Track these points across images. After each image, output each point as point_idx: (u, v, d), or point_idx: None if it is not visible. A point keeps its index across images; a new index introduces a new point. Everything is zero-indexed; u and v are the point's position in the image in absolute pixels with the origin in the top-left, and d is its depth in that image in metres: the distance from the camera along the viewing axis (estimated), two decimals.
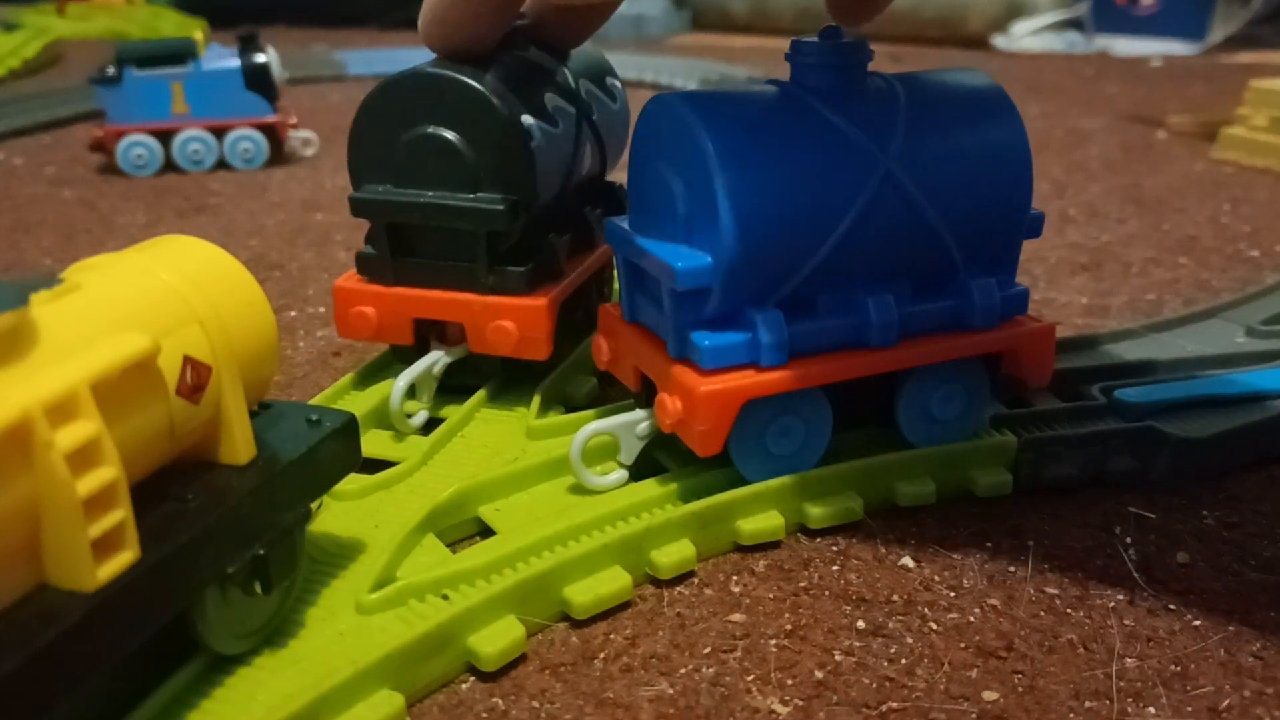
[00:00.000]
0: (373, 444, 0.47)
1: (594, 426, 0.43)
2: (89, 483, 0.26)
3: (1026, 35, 2.19)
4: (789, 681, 0.34)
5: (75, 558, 0.26)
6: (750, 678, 0.34)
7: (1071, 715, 0.33)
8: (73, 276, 0.30)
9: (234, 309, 0.33)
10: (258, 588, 0.32)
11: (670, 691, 0.34)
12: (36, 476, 0.25)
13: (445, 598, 0.36)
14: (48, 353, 0.27)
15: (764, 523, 0.41)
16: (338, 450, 0.36)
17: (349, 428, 0.37)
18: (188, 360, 0.30)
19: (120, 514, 0.27)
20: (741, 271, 0.40)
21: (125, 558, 0.27)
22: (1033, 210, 0.45)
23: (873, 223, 0.41)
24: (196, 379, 0.31)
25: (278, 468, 0.33)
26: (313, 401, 0.49)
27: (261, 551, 0.32)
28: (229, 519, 0.31)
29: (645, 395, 0.46)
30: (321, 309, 0.68)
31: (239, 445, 0.33)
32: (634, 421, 0.44)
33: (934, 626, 0.37)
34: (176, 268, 0.32)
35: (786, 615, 0.37)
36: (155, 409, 0.29)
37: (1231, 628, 0.37)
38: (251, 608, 0.33)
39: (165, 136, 1.04)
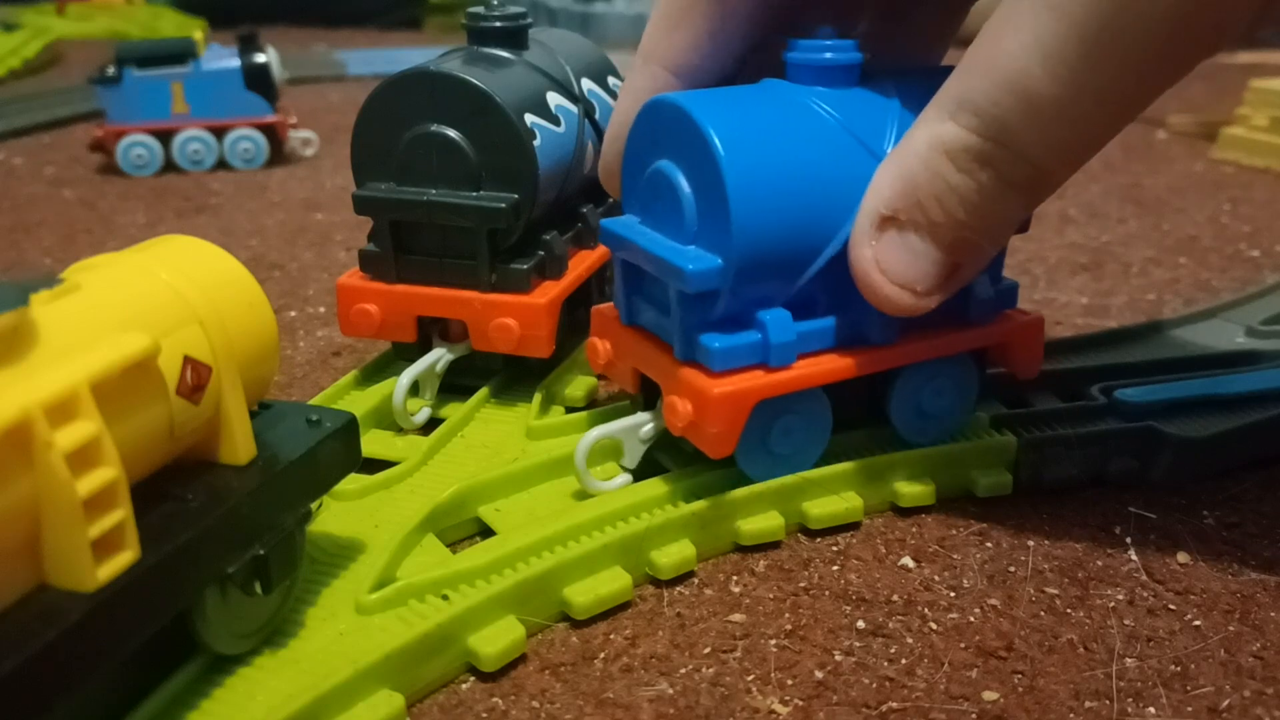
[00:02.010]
0: (373, 444, 0.47)
1: (598, 432, 0.43)
2: (89, 483, 0.26)
3: None
4: (789, 681, 0.34)
5: (75, 558, 0.26)
6: (750, 678, 0.34)
7: (1071, 715, 0.33)
8: (73, 276, 0.30)
9: (234, 309, 0.33)
10: (258, 588, 0.32)
11: (670, 691, 0.34)
12: (36, 476, 0.25)
13: (445, 598, 0.36)
14: (48, 353, 0.27)
15: (764, 523, 0.41)
16: (338, 450, 0.36)
17: (349, 428, 0.37)
18: (188, 360, 0.30)
19: (120, 514, 0.27)
20: (752, 272, 0.40)
21: (125, 558, 0.27)
22: None
23: None
24: (196, 379, 0.31)
25: (278, 468, 0.33)
26: (313, 401, 0.49)
27: (261, 552, 0.32)
28: (229, 519, 0.31)
29: (644, 398, 0.46)
30: (321, 309, 0.68)
31: (239, 445, 0.33)
32: (637, 425, 0.44)
33: (934, 626, 0.37)
34: (176, 268, 0.32)
35: (786, 615, 0.37)
36: (155, 409, 0.29)
37: (1231, 628, 0.37)
38: (251, 608, 0.33)
39: (165, 136, 1.04)
